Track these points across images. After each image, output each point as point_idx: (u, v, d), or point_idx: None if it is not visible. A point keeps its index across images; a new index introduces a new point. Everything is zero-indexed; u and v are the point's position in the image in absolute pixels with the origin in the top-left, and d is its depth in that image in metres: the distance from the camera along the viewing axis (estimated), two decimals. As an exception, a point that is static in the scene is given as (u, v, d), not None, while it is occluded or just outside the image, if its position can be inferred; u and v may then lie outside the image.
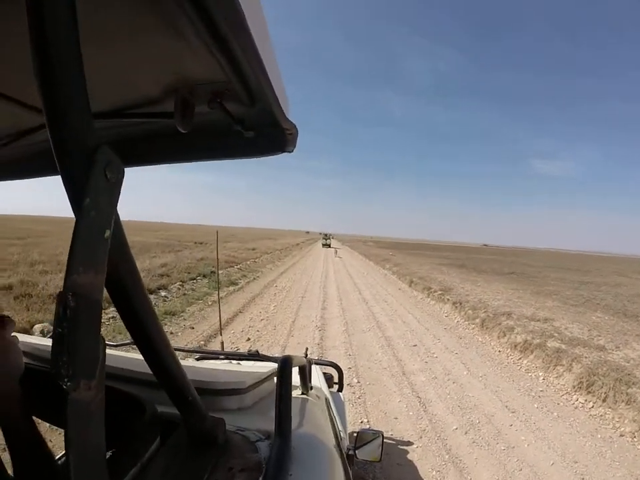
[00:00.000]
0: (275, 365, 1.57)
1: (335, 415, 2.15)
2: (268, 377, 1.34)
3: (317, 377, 3.35)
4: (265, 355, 2.32)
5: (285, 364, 1.05)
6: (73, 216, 0.47)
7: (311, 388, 1.58)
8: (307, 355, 2.39)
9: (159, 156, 1.36)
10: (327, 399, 1.85)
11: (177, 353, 0.81)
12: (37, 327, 7.62)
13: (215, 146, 1.26)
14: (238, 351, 2.76)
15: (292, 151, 1.17)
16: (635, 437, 5.59)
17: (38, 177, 1.62)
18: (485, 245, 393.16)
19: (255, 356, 2.28)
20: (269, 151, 1.16)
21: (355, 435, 2.62)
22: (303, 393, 1.46)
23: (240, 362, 2.37)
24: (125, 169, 0.58)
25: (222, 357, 2.78)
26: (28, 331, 7.46)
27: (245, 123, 1.04)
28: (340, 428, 2.51)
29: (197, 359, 2.88)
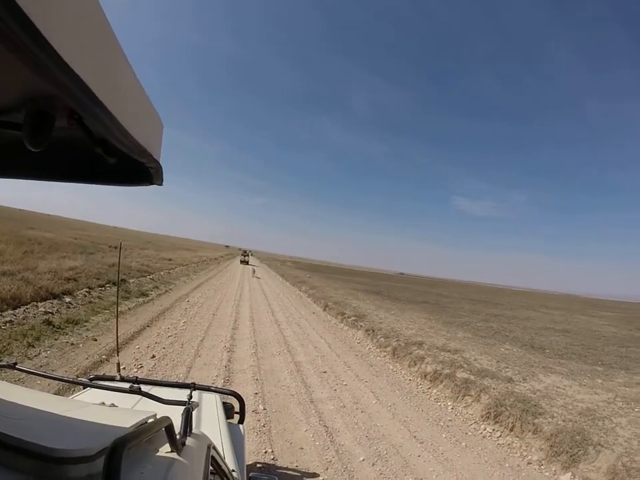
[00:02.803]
0: (152, 411, 1.40)
1: (222, 459, 1.91)
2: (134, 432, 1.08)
3: (214, 407, 3.04)
4: (152, 395, 1.98)
5: (113, 454, 0.82)
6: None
7: (187, 437, 1.39)
8: (192, 388, 2.12)
9: (9, 170, 1.28)
10: (209, 447, 1.60)
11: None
12: None
13: (75, 168, 1.21)
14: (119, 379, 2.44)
15: (160, 184, 1.17)
16: (542, 464, 5.62)
17: None
18: (402, 274, 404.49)
19: (137, 392, 2.01)
20: (134, 181, 1.16)
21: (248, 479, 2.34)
22: (172, 451, 1.25)
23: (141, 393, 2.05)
24: None
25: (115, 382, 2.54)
26: None
27: (107, 147, 0.94)
28: (234, 468, 2.33)
29: (91, 379, 2.64)
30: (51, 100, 0.80)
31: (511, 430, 6.38)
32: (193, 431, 1.50)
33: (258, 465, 4.65)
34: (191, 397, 1.95)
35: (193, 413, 1.64)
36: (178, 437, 1.29)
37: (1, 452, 0.85)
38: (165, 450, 1.25)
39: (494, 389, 7.73)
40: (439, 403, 7.70)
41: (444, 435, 6.18)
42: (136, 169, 1.07)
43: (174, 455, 1.24)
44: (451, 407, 7.53)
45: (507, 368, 9.53)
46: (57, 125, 0.83)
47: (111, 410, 1.56)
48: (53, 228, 49.79)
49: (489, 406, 7.04)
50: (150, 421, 1.30)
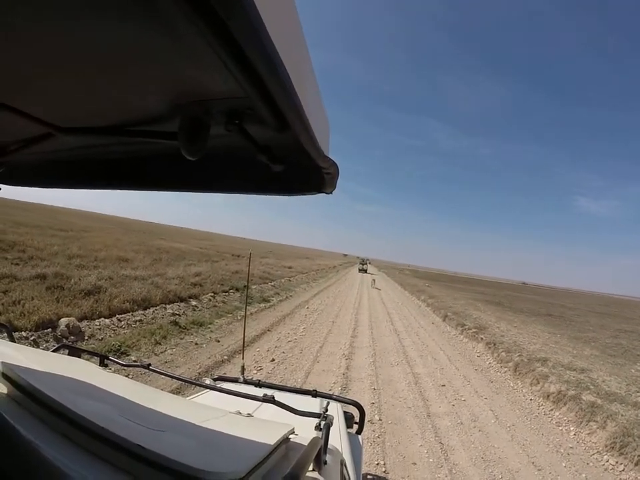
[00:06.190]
0: (289, 424, 1.37)
1: (348, 473, 1.89)
2: (277, 448, 1.13)
3: (336, 416, 3.23)
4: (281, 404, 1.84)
5: None
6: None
7: (325, 461, 1.36)
8: (313, 395, 2.24)
9: (165, 182, 1.24)
10: (342, 463, 1.67)
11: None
12: (63, 320, 7.76)
13: (234, 177, 1.14)
14: (257, 384, 2.57)
15: (331, 193, 1.06)
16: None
17: (46, 187, 1.53)
18: (524, 283, 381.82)
19: (271, 402, 1.84)
20: (301, 190, 1.04)
21: None
22: (313, 470, 1.26)
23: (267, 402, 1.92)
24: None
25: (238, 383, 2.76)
26: (54, 323, 7.68)
27: (272, 153, 0.90)
28: None
29: (215, 379, 2.80)
30: (206, 105, 0.77)
31: (636, 464, 6.00)
32: (328, 446, 1.48)
33: (369, 477, 4.80)
34: (326, 409, 1.88)
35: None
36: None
37: (144, 469, 0.81)
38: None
39: (622, 415, 7.30)
40: (560, 428, 7.42)
41: (564, 464, 6.00)
42: (306, 174, 0.98)
43: (316, 475, 1.22)
44: (573, 432, 7.22)
45: (638, 392, 8.94)
46: (214, 132, 0.79)
47: (249, 421, 1.54)
48: (181, 239, 53.56)
49: (614, 435, 6.67)
50: (291, 437, 1.29)
